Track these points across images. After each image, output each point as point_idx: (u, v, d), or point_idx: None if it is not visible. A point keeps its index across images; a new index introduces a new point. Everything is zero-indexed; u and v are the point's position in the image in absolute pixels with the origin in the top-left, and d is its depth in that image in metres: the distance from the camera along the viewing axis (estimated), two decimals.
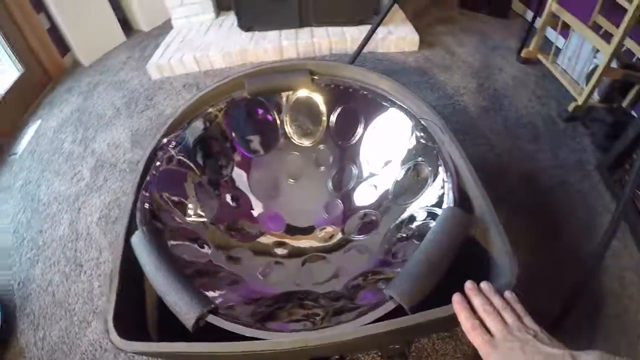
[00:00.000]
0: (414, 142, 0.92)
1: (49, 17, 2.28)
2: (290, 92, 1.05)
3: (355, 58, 1.56)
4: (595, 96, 1.65)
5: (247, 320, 0.70)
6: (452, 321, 0.60)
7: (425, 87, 1.75)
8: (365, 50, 1.76)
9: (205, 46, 1.98)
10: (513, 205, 1.29)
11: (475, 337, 0.52)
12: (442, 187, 0.79)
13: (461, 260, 0.67)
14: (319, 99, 1.04)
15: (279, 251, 0.98)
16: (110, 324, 0.65)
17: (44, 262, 1.37)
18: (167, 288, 0.65)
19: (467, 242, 0.70)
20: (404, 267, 0.64)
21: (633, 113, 1.57)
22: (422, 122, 0.90)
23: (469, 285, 0.59)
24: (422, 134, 0.89)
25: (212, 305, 0.64)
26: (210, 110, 1.01)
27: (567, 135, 1.54)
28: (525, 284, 0.63)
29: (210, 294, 0.74)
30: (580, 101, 1.56)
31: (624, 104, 1.59)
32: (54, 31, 2.32)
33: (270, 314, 0.77)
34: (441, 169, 0.82)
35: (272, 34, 1.93)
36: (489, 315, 0.53)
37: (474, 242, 0.74)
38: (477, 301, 0.56)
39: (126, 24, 2.65)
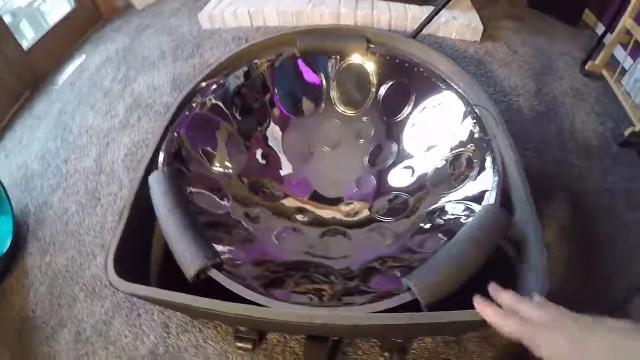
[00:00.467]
0: (464, 129, 0.85)
1: None
2: (343, 57, 1.00)
3: (416, 36, 1.49)
4: None
5: (252, 281, 0.68)
6: (470, 327, 0.56)
7: (481, 80, 1.65)
8: (424, 31, 1.68)
9: (261, 2, 1.93)
10: (551, 220, 1.22)
11: (512, 324, 0.44)
12: (486, 183, 0.73)
13: (487, 264, 0.60)
14: (371, 69, 0.99)
15: (300, 217, 0.94)
16: (110, 260, 0.64)
17: (63, 190, 1.37)
18: (175, 234, 0.62)
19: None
20: (430, 258, 0.59)
21: None
22: (477, 110, 0.84)
23: (493, 285, 0.51)
24: (474, 122, 0.83)
25: (217, 260, 0.61)
26: (256, 61, 0.97)
27: (619, 160, 1.43)
28: None
29: (220, 248, 0.71)
30: (638, 127, 1.45)
31: None
32: None
33: (276, 279, 0.73)
34: (488, 164, 0.76)
35: (331, 0, 1.86)
36: (524, 304, 0.46)
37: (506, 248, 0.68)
38: (505, 296, 0.49)
39: None
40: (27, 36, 2.00)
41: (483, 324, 0.50)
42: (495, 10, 2.09)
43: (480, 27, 1.78)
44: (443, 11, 1.59)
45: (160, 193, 0.69)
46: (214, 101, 0.91)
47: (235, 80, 0.94)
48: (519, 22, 2.02)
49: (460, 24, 1.75)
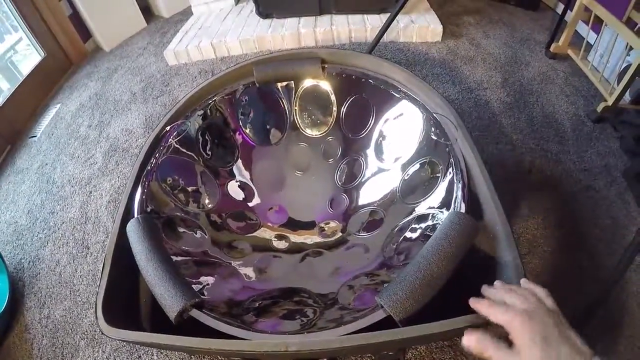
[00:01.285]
0: (425, 137, 0.86)
1: (71, 4, 2.32)
2: (300, 81, 1.01)
3: (374, 47, 1.50)
4: (627, 97, 1.54)
5: (239, 312, 0.71)
6: (448, 336, 0.56)
7: (446, 79, 1.68)
8: (386, 39, 1.70)
9: (222, 33, 1.96)
10: (534, 209, 1.22)
11: (502, 312, 0.47)
12: (451, 189, 0.74)
13: (464, 269, 0.61)
14: (329, 89, 1.00)
15: (279, 245, 0.95)
16: (99, 310, 0.65)
17: (53, 243, 1.39)
18: (155, 279, 0.64)
19: (472, 248, 0.65)
20: (399, 274, 0.59)
21: None
22: (435, 117, 0.85)
23: (484, 286, 0.55)
24: (434, 130, 0.83)
25: (197, 300, 0.62)
26: (214, 98, 0.98)
27: (594, 137, 1.44)
28: None
29: (203, 284, 0.74)
30: (610, 101, 1.46)
31: None
32: (76, 17, 2.36)
33: (262, 309, 0.75)
34: (451, 169, 0.76)
35: (291, 22, 1.88)
36: (513, 293, 0.50)
37: (480, 250, 0.69)
38: (497, 285, 0.53)
39: (147, 10, 2.66)
40: (3, 87, 2.03)
41: (457, 333, 0.52)
42: (453, 7, 2.13)
43: (440, 27, 1.80)
44: (401, 16, 1.61)
45: (137, 241, 0.70)
46: (178, 145, 0.91)
47: (196, 121, 0.95)
48: (479, 15, 2.06)
49: (419, 27, 1.77)
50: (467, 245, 0.62)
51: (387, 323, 0.56)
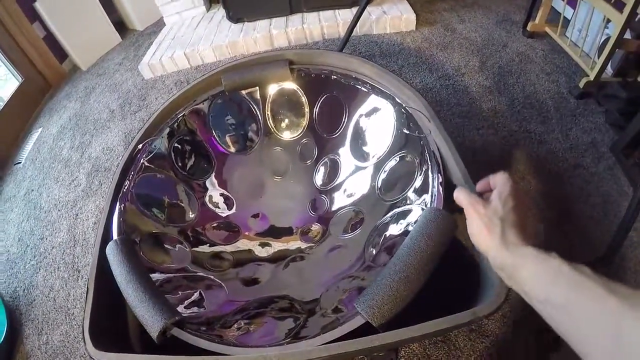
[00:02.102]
0: (398, 132, 0.84)
1: (44, 26, 2.29)
2: (270, 85, 0.99)
3: (345, 43, 1.48)
4: (609, 70, 1.53)
5: (222, 326, 0.71)
6: (432, 337, 0.55)
7: (423, 68, 1.65)
8: (359, 33, 1.68)
9: (195, 41, 1.94)
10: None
11: (463, 198, 0.56)
12: (427, 184, 0.72)
13: (445, 266, 0.60)
14: (300, 90, 0.98)
15: (261, 253, 0.94)
16: (87, 334, 0.65)
17: (45, 269, 1.40)
18: (135, 300, 0.64)
19: (453, 245, 0.63)
20: (377, 277, 0.58)
21: None
22: (407, 110, 0.83)
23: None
24: (406, 123, 0.82)
25: (176, 318, 0.62)
26: (184, 112, 0.97)
27: (578, 113, 1.43)
28: None
29: (185, 301, 0.74)
30: (592, 76, 1.44)
31: None
32: (51, 39, 2.34)
33: (245, 321, 0.74)
34: (426, 163, 0.74)
35: (262, 24, 1.86)
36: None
37: (461, 246, 0.67)
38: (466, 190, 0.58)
39: (121, 24, 2.64)
40: None
41: (441, 333, 0.50)
42: None
43: (413, 16, 1.78)
44: (372, 8, 1.59)
45: (116, 263, 0.70)
46: (150, 163, 0.90)
47: (166, 138, 0.93)
48: (453, 0, 2.03)
49: (392, 18, 1.76)
50: (445, 242, 0.60)
51: (370, 327, 0.55)
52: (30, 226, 1.56)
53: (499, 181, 0.54)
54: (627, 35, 1.37)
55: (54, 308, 1.26)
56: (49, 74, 2.37)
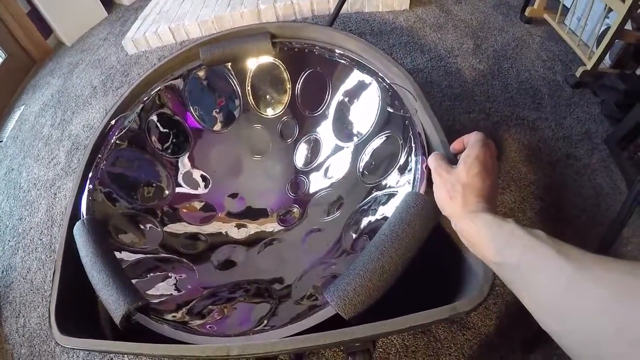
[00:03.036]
0: (382, 110, 0.79)
1: (28, 1, 2.23)
2: (251, 59, 0.94)
3: (334, 19, 1.43)
4: (607, 61, 1.48)
5: (190, 312, 0.68)
6: (405, 332, 0.51)
7: (414, 48, 1.60)
8: (351, 10, 1.63)
9: (180, 16, 1.87)
10: (510, 181, 1.17)
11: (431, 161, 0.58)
12: (411, 166, 0.67)
13: (426, 255, 0.56)
14: (282, 65, 0.93)
15: (237, 235, 0.90)
16: (52, 319, 0.64)
17: (23, 250, 1.37)
18: (99, 283, 0.61)
19: (436, 233, 0.59)
20: (351, 266, 0.54)
21: None
22: (393, 87, 0.78)
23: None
24: (391, 101, 0.77)
25: (140, 303, 0.60)
26: (159, 87, 0.92)
27: (573, 103, 1.39)
28: None
29: (154, 284, 0.71)
30: (589, 66, 1.40)
31: (638, 70, 1.42)
32: (35, 14, 2.26)
33: (214, 306, 0.71)
34: (410, 143, 0.70)
35: None
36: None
37: (445, 234, 0.63)
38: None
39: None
40: None
41: (416, 328, 0.48)
42: None
43: None
44: None
45: (82, 244, 0.67)
46: (122, 140, 0.85)
47: (140, 114, 0.89)
48: None
49: None
50: (426, 230, 0.56)
51: (342, 318, 0.52)
52: (9, 206, 1.53)
53: (470, 141, 0.54)
54: (628, 26, 1.33)
55: (31, 290, 1.24)
56: (33, 50, 2.30)
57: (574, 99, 1.40)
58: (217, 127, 0.97)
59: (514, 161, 1.20)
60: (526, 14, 1.69)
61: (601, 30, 1.43)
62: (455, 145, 0.60)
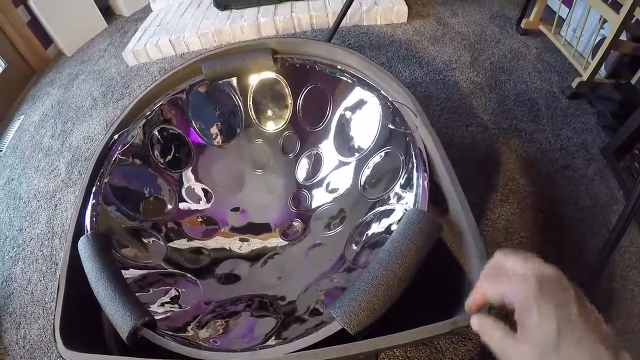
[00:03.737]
0: (383, 127, 0.81)
1: (29, 10, 2.22)
2: (252, 74, 0.95)
3: (333, 33, 1.45)
4: (602, 71, 1.50)
5: (195, 327, 0.68)
6: (409, 345, 0.52)
7: (413, 61, 1.62)
8: (349, 24, 1.64)
9: (181, 28, 1.89)
10: (509, 193, 1.18)
11: (504, 282, 0.35)
12: (412, 182, 0.68)
13: (428, 269, 0.57)
14: (283, 80, 0.95)
15: (240, 249, 0.90)
16: (57, 333, 0.63)
17: (23, 261, 1.36)
18: (104, 298, 0.61)
19: (440, 246, 0.60)
20: (355, 282, 0.54)
21: None
22: (394, 104, 0.79)
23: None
24: (392, 118, 0.78)
25: (146, 318, 0.59)
26: (161, 102, 0.93)
27: (570, 114, 1.40)
28: None
29: (159, 300, 0.72)
30: (585, 77, 1.42)
31: (634, 80, 1.44)
32: (35, 24, 2.26)
33: (218, 322, 0.72)
34: (412, 160, 0.71)
35: (250, 12, 1.82)
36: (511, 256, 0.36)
37: (446, 248, 0.64)
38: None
39: (108, 10, 2.57)
40: None
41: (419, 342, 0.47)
42: None
43: (405, 8, 1.74)
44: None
45: (87, 259, 0.67)
46: (125, 155, 0.86)
47: (142, 128, 0.89)
48: None
49: (383, 9, 1.72)
50: (428, 246, 0.57)
51: (347, 333, 0.52)
52: (9, 217, 1.52)
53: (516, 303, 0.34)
54: (623, 36, 1.35)
55: (32, 301, 1.23)
56: (33, 60, 2.30)
57: (571, 110, 1.42)
58: (219, 141, 0.98)
59: (512, 173, 1.22)
60: (522, 25, 1.72)
61: (596, 41, 1.45)
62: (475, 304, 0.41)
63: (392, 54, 1.67)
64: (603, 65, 1.47)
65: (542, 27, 1.69)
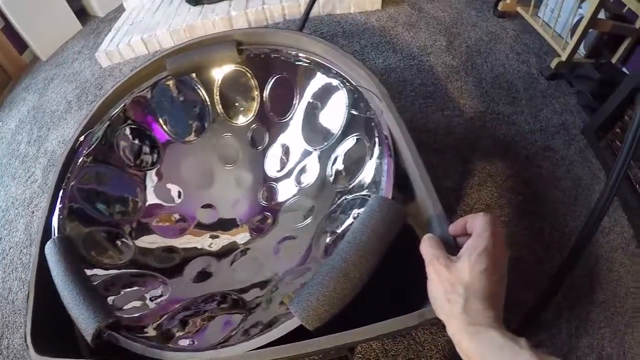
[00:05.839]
0: (349, 113, 0.79)
1: (3, 16, 2.18)
2: (218, 67, 0.93)
3: (304, 23, 1.42)
4: (581, 51, 1.49)
5: (163, 327, 0.67)
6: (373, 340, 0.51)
7: (386, 48, 1.60)
8: (322, 12, 1.63)
9: (153, 26, 1.86)
10: (487, 177, 1.16)
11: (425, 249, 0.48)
12: (377, 169, 0.67)
13: (396, 259, 0.54)
14: (249, 72, 0.92)
15: (210, 247, 0.89)
16: (29, 339, 0.62)
17: (3, 270, 1.34)
18: (70, 301, 0.60)
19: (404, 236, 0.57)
20: (314, 275, 0.52)
21: (624, 70, 1.41)
22: (359, 89, 0.77)
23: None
24: (357, 103, 0.76)
25: (110, 320, 0.58)
26: (126, 101, 0.91)
27: (549, 95, 1.39)
28: None
29: (127, 300, 0.71)
30: (564, 57, 1.41)
31: (613, 59, 1.43)
32: (9, 29, 2.22)
33: (186, 321, 0.70)
34: (377, 146, 0.69)
35: (221, 6, 1.79)
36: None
37: (414, 237, 0.61)
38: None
39: (83, 12, 2.53)
40: None
41: (382, 337, 0.48)
42: None
43: None
44: None
45: (54, 264, 0.66)
46: (91, 156, 0.84)
47: (108, 129, 0.87)
48: None
49: None
50: (390, 235, 0.54)
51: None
52: None
53: (475, 228, 0.44)
54: (602, 15, 1.33)
55: (13, 311, 1.22)
56: (8, 66, 2.26)
57: (550, 91, 1.41)
58: (187, 137, 0.96)
59: (490, 156, 1.20)
60: (499, 8, 1.70)
61: (575, 21, 1.44)
62: (456, 228, 0.50)
63: (366, 42, 1.65)
64: (582, 45, 1.46)
65: (519, 9, 1.67)
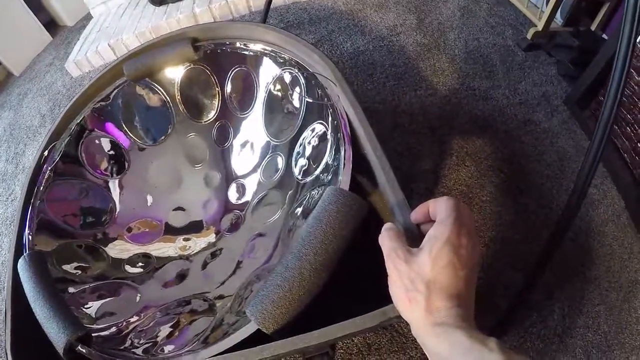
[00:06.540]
0: (305, 101, 0.77)
1: None
2: (176, 67, 0.90)
3: (266, 13, 1.39)
4: (559, 19, 1.46)
5: (135, 337, 0.66)
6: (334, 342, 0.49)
7: (354, 31, 1.56)
8: (288, 1, 1.59)
9: (119, 31, 1.82)
10: (465, 156, 1.13)
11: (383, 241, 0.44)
12: (335, 158, 0.64)
13: (360, 255, 0.52)
14: (207, 69, 0.90)
15: (182, 250, 0.87)
16: (10, 356, 0.61)
17: None
18: (42, 316, 0.60)
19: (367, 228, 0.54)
20: (270, 277, 0.50)
21: (604, 36, 1.38)
22: (314, 75, 0.75)
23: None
24: (313, 91, 0.74)
25: (79, 333, 0.57)
26: (86, 110, 0.89)
27: (527, 66, 1.36)
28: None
29: (98, 312, 0.70)
30: (540, 26, 1.38)
31: (592, 26, 1.40)
32: None
33: (164, 325, 0.70)
34: (334, 133, 0.67)
35: (185, 3, 1.76)
36: None
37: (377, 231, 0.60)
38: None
39: (52, 23, 2.48)
40: None
41: (345, 337, 0.46)
42: None
43: None
44: None
45: (25, 280, 0.66)
46: (55, 170, 0.83)
47: (70, 140, 0.86)
48: None
49: None
50: (349, 229, 0.51)
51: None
52: None
53: (438, 214, 0.40)
54: None
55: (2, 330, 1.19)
56: None
57: (528, 63, 1.38)
58: (152, 141, 0.94)
59: (468, 134, 1.17)
60: None
61: None
62: (418, 214, 0.46)
63: (333, 26, 1.61)
64: (559, 13, 1.43)
65: None
